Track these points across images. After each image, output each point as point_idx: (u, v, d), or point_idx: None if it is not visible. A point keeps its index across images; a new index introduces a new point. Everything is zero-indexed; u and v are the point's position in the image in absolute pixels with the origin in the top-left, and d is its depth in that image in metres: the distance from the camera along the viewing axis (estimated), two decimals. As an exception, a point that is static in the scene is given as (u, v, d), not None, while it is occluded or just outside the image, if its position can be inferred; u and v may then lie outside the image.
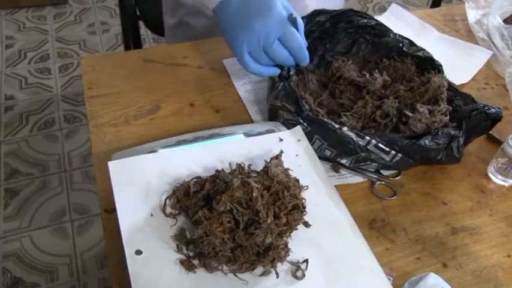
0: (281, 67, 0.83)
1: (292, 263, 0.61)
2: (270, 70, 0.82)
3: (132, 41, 1.61)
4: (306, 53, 0.80)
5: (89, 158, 2.01)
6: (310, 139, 0.77)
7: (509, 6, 1.12)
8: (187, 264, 0.59)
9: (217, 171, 0.65)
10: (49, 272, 1.66)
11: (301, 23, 0.81)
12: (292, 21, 0.79)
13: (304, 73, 0.89)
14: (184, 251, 0.60)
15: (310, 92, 0.87)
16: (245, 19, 0.79)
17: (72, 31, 2.64)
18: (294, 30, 0.79)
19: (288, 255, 0.61)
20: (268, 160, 0.66)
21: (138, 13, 1.56)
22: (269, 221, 0.58)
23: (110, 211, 0.69)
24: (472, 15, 1.14)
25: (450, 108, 0.82)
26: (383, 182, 0.79)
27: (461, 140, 0.78)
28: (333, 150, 0.77)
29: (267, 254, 0.59)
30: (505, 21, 1.10)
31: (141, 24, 1.59)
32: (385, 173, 0.80)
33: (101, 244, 1.73)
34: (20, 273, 1.65)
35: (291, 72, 0.85)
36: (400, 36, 0.92)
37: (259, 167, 0.67)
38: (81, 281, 1.64)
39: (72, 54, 2.50)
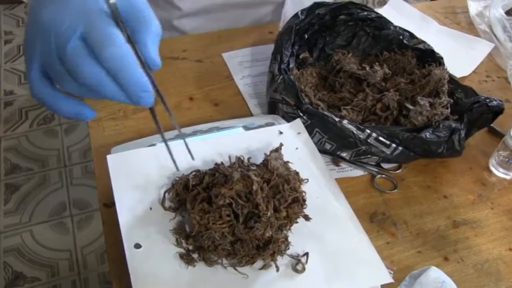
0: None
1: (292, 256, 0.61)
2: (70, 106, 0.49)
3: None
4: (141, 84, 0.45)
5: (88, 153, 2.00)
6: (310, 132, 0.76)
7: (511, -2, 1.12)
8: (187, 258, 0.59)
9: (216, 164, 0.65)
10: (49, 266, 1.66)
11: (149, 20, 0.48)
12: (114, 10, 0.45)
13: (305, 67, 0.89)
14: (184, 245, 0.60)
15: (310, 86, 0.86)
16: (34, 12, 0.47)
17: (71, 26, 2.63)
18: (114, 29, 0.44)
19: (288, 249, 0.60)
20: (268, 153, 0.66)
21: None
22: (269, 214, 0.58)
23: (109, 205, 0.69)
24: (474, 7, 1.13)
25: (451, 101, 0.81)
26: (383, 176, 0.79)
27: (463, 133, 0.77)
28: (333, 144, 0.77)
29: (267, 247, 0.58)
30: (507, 13, 1.10)
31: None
32: (385, 166, 0.80)
33: (101, 239, 1.73)
34: (21, 268, 1.65)
35: (291, 65, 0.84)
36: (401, 28, 0.92)
37: (258, 160, 0.67)
38: (81, 275, 1.64)
39: (72, 49, 2.49)
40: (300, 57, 0.89)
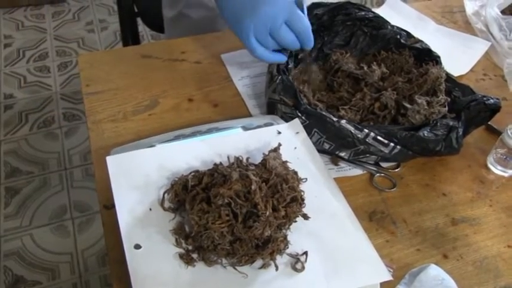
0: (287, 53, 0.82)
1: (291, 255, 0.61)
2: (276, 56, 0.80)
3: (130, 38, 1.61)
4: (312, 36, 0.78)
5: (89, 156, 2.01)
6: (309, 132, 0.76)
7: (507, -3, 1.12)
8: (187, 258, 0.59)
9: (215, 164, 0.65)
10: (50, 270, 1.66)
11: (305, 7, 0.80)
12: (299, 3, 0.77)
13: (306, 63, 0.89)
14: (183, 245, 0.60)
15: (308, 85, 0.86)
16: (251, 4, 0.76)
17: (70, 29, 2.64)
18: (301, 13, 0.77)
19: (287, 248, 0.61)
20: (267, 153, 0.66)
21: (136, 10, 1.56)
22: (268, 213, 0.58)
23: (109, 207, 0.69)
24: (470, 6, 1.14)
25: (449, 99, 0.82)
26: (382, 174, 0.79)
27: (460, 131, 0.78)
28: (332, 143, 0.77)
29: (266, 246, 0.59)
30: (503, 12, 1.10)
31: (140, 21, 1.59)
32: (384, 165, 0.80)
33: (101, 241, 1.73)
34: (22, 272, 1.65)
35: (290, 66, 0.84)
36: (398, 28, 0.92)
37: (257, 160, 0.67)
38: (82, 278, 1.64)
39: (71, 53, 2.50)
40: (299, 57, 0.89)
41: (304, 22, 0.77)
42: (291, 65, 0.85)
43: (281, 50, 0.81)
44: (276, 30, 0.76)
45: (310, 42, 0.79)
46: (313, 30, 0.89)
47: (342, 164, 0.80)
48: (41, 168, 1.96)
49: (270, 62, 0.82)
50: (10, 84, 2.31)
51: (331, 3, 0.92)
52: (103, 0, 2.85)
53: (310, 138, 0.76)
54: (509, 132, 0.78)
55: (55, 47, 2.53)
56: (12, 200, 1.85)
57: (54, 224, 1.79)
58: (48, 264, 1.67)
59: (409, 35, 0.92)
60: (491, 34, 1.06)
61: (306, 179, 0.67)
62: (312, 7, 0.91)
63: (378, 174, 0.79)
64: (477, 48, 1.05)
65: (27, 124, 2.13)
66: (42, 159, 2.00)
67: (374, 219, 0.73)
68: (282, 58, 0.81)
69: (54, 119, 2.16)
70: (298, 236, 0.63)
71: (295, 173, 0.66)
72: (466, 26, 1.13)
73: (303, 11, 0.78)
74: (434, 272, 0.64)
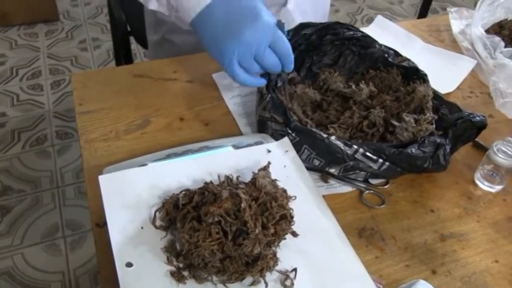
0: (267, 76, 0.83)
1: (281, 272, 0.62)
2: (257, 81, 0.81)
3: (123, 56, 1.62)
4: (292, 58, 0.79)
5: (81, 174, 2.01)
6: (299, 149, 0.77)
7: (490, 17, 1.14)
8: (178, 276, 0.59)
9: (205, 183, 0.66)
10: (42, 289, 1.65)
11: (285, 27, 0.81)
12: (281, 26, 0.78)
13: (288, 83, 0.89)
14: (175, 263, 0.61)
15: (298, 103, 0.88)
16: (233, 29, 0.75)
17: (63, 48, 2.66)
18: (282, 35, 0.77)
19: (277, 265, 0.62)
20: (256, 171, 0.67)
21: (129, 29, 1.58)
22: (257, 231, 0.59)
23: (101, 225, 0.69)
24: (456, 25, 1.16)
25: (436, 116, 0.83)
26: (371, 191, 0.80)
27: (448, 148, 0.79)
28: (322, 160, 0.78)
29: (255, 263, 0.59)
30: (487, 31, 1.13)
31: (132, 40, 1.61)
32: (373, 182, 0.81)
33: (94, 260, 1.72)
34: (13, 291, 1.64)
35: (279, 84, 0.86)
36: (386, 47, 0.94)
37: (247, 178, 0.68)
38: (74, 297, 1.63)
39: (64, 71, 2.51)
40: (288, 77, 0.91)
41: (287, 45, 0.78)
42: (280, 84, 0.87)
43: (262, 74, 0.82)
44: (261, 55, 0.76)
45: (290, 64, 0.80)
46: (302, 50, 0.91)
47: (332, 182, 0.81)
48: (33, 186, 1.96)
49: (251, 86, 0.83)
50: (3, 102, 2.32)
51: (320, 23, 0.93)
52: (96, 19, 2.87)
53: (300, 155, 0.77)
54: (495, 148, 0.80)
55: (48, 65, 2.54)
56: (3, 218, 1.85)
57: (46, 242, 1.78)
58: (40, 284, 1.66)
59: (396, 53, 0.94)
60: (477, 52, 1.08)
61: (295, 196, 0.68)
62: (300, 27, 0.92)
63: (367, 191, 0.80)
64: (463, 66, 1.07)
65: (19, 142, 2.13)
66: (35, 178, 1.99)
67: (363, 235, 0.74)
68: (262, 82, 0.82)
69: (46, 137, 2.16)
70: (287, 253, 0.64)
71: (285, 191, 0.67)
72: (452, 45, 1.15)
73: (283, 32, 0.78)
74: (423, 287, 0.65)
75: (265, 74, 0.83)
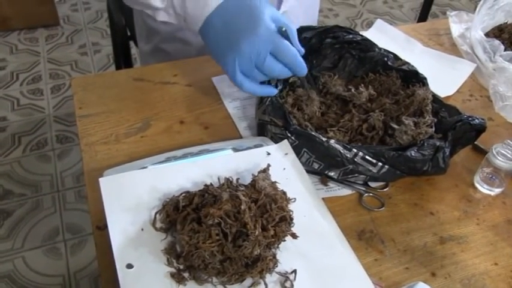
0: (279, 83, 0.83)
1: (280, 274, 0.62)
2: (265, 90, 0.80)
3: (123, 61, 1.62)
4: (302, 63, 0.77)
5: (81, 178, 2.01)
6: (298, 152, 0.78)
7: (490, 21, 1.15)
8: (178, 277, 0.60)
9: (205, 185, 0.66)
10: (42, 292, 1.65)
11: (293, 31, 0.79)
12: (283, 33, 0.76)
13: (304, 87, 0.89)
14: (175, 264, 0.61)
15: (298, 107, 0.88)
16: (232, 40, 0.76)
17: (63, 52, 2.66)
18: (286, 42, 0.75)
19: (277, 266, 0.62)
20: (256, 174, 0.67)
21: (128, 33, 1.58)
22: (257, 232, 0.59)
23: (102, 228, 0.70)
24: (456, 29, 1.16)
25: (435, 120, 0.83)
26: (371, 194, 0.80)
27: (447, 151, 0.79)
28: (321, 163, 0.78)
29: (255, 265, 0.60)
30: (487, 34, 1.13)
31: (132, 44, 1.61)
32: (372, 185, 0.82)
33: (94, 263, 1.73)
34: (13, 295, 1.64)
35: (280, 87, 0.86)
36: (385, 50, 0.94)
37: (247, 180, 0.68)
38: (74, 301, 1.64)
39: (64, 75, 2.52)
40: (289, 81, 0.91)
41: (291, 51, 0.76)
42: (280, 87, 0.87)
43: (270, 80, 0.82)
44: (261, 64, 0.75)
45: (301, 69, 0.78)
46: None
47: (331, 184, 0.81)
48: (34, 190, 1.96)
49: (260, 95, 0.82)
50: (3, 106, 2.32)
51: (320, 27, 0.94)
52: (96, 23, 2.88)
53: (300, 158, 0.77)
54: (494, 151, 0.80)
55: (48, 70, 2.54)
56: (4, 222, 1.85)
57: (46, 246, 1.78)
58: (41, 287, 1.66)
59: (396, 57, 0.94)
60: (477, 56, 1.08)
61: (295, 199, 0.68)
62: (300, 30, 0.92)
63: (366, 194, 0.80)
64: (463, 70, 1.07)
65: (20, 146, 2.14)
66: (35, 182, 2.00)
67: (363, 238, 0.74)
68: (271, 91, 0.81)
69: (47, 141, 2.17)
70: (287, 254, 0.64)
71: (284, 193, 0.67)
72: (452, 48, 1.15)
73: (290, 38, 0.77)
74: (422, 290, 0.65)
75: (278, 81, 0.83)
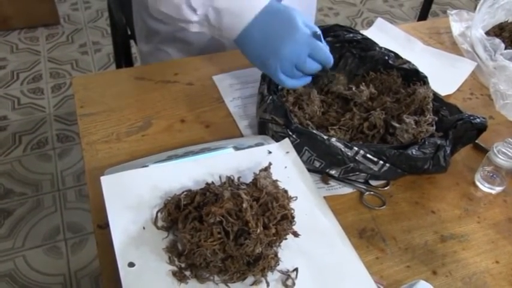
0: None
1: (282, 272, 0.62)
2: (303, 80, 0.84)
3: (123, 60, 1.62)
4: (331, 58, 0.82)
5: (82, 177, 2.01)
6: (300, 151, 0.78)
7: (490, 19, 1.15)
8: (180, 276, 0.60)
9: (207, 184, 0.66)
10: (43, 291, 1.65)
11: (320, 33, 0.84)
12: (317, 36, 0.81)
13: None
14: (176, 263, 0.61)
15: (299, 106, 0.88)
16: (273, 47, 0.80)
17: (64, 51, 2.66)
18: (320, 44, 0.80)
19: (278, 265, 0.62)
20: (257, 172, 0.67)
21: (129, 32, 1.58)
22: (258, 231, 0.59)
23: (103, 226, 0.70)
24: (456, 28, 1.16)
25: (436, 118, 0.84)
26: (372, 193, 0.80)
27: (448, 149, 0.80)
28: (322, 162, 0.78)
29: (257, 263, 0.60)
30: (487, 33, 1.13)
31: (133, 43, 1.61)
32: (374, 183, 0.82)
33: (95, 262, 1.72)
34: (14, 294, 1.64)
35: (280, 86, 0.86)
36: (386, 49, 0.94)
37: (248, 179, 0.68)
38: (75, 299, 1.64)
39: (65, 74, 2.52)
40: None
41: (324, 52, 0.81)
42: (281, 86, 0.87)
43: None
44: (302, 65, 0.80)
45: (331, 62, 0.83)
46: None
47: (332, 183, 0.81)
48: (34, 189, 1.96)
49: (300, 86, 0.87)
50: (4, 106, 2.32)
51: (320, 26, 0.94)
52: (96, 22, 2.88)
53: (301, 157, 0.77)
54: (495, 150, 0.80)
55: (49, 69, 2.54)
56: (5, 221, 1.85)
57: (47, 245, 1.78)
58: (41, 286, 1.66)
59: (397, 56, 0.94)
60: (477, 54, 1.08)
61: (296, 197, 0.68)
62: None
63: (367, 193, 0.80)
64: (464, 68, 1.08)
65: (20, 146, 2.13)
66: (36, 181, 2.00)
67: (364, 236, 0.74)
68: (307, 79, 0.85)
69: (47, 140, 2.17)
70: (288, 253, 0.64)
71: (286, 191, 0.67)
72: (452, 47, 1.15)
73: (320, 40, 0.81)
74: (423, 288, 0.65)
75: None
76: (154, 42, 1.20)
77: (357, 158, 0.77)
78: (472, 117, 0.81)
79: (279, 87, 0.86)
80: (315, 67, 0.81)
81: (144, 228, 0.64)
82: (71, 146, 2.15)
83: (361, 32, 0.97)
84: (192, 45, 1.13)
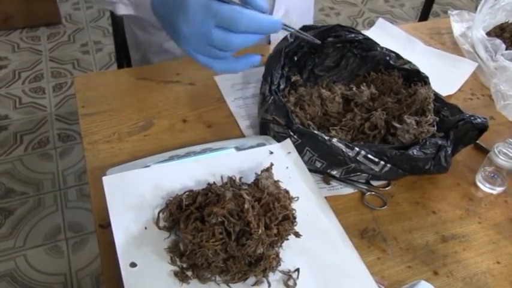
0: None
1: (283, 272, 0.62)
2: (242, 63, 0.67)
3: (125, 59, 1.62)
4: (266, 21, 0.61)
5: (83, 176, 2.01)
6: (301, 151, 0.78)
7: (491, 20, 1.15)
8: (181, 276, 0.60)
9: (209, 184, 0.66)
10: (44, 291, 1.65)
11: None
12: None
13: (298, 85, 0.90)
14: (178, 263, 0.61)
15: (300, 106, 0.88)
16: (174, 26, 0.66)
17: (65, 51, 2.67)
18: (228, 8, 0.61)
19: (280, 265, 0.62)
20: (259, 173, 0.67)
21: (130, 32, 1.58)
22: (260, 231, 0.59)
23: (105, 226, 0.70)
24: (457, 28, 1.16)
25: (437, 118, 0.84)
26: (373, 193, 0.81)
27: (449, 150, 0.80)
28: (323, 162, 0.79)
29: (258, 264, 0.60)
30: (488, 33, 1.13)
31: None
32: (375, 183, 0.82)
33: (95, 262, 1.73)
34: (15, 293, 1.64)
35: (281, 87, 0.86)
36: (387, 49, 0.94)
37: (250, 179, 0.68)
38: (76, 299, 1.64)
39: (66, 74, 2.52)
40: (292, 80, 0.91)
41: (240, 16, 0.60)
42: (282, 86, 0.87)
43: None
44: (211, 42, 0.63)
45: (270, 27, 0.63)
46: (304, 53, 0.92)
47: (334, 183, 0.81)
48: (36, 188, 1.97)
49: (240, 71, 0.70)
50: (5, 105, 2.33)
51: (322, 26, 0.94)
52: (98, 22, 2.88)
53: (303, 157, 0.77)
54: (496, 150, 0.80)
55: (50, 69, 2.55)
56: (6, 220, 1.85)
57: (48, 244, 1.79)
58: (42, 285, 1.67)
59: (398, 56, 0.94)
60: (478, 55, 1.08)
61: (298, 197, 0.68)
62: (302, 29, 0.93)
63: (368, 193, 0.80)
64: (465, 69, 1.08)
65: (22, 145, 2.14)
66: (37, 180, 2.00)
67: (365, 236, 0.74)
68: (250, 61, 0.67)
69: (48, 139, 2.17)
70: (290, 253, 0.64)
71: (287, 192, 0.67)
72: (453, 47, 1.15)
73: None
74: (424, 288, 0.65)
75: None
76: (142, 51, 1.20)
77: (358, 158, 0.77)
78: (473, 118, 0.81)
79: (281, 87, 0.86)
80: (234, 41, 0.61)
81: (145, 228, 0.65)
82: (72, 145, 2.15)
83: (363, 32, 0.97)
84: (177, 57, 1.12)
